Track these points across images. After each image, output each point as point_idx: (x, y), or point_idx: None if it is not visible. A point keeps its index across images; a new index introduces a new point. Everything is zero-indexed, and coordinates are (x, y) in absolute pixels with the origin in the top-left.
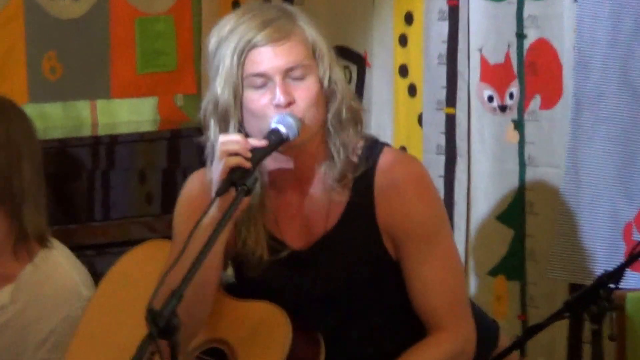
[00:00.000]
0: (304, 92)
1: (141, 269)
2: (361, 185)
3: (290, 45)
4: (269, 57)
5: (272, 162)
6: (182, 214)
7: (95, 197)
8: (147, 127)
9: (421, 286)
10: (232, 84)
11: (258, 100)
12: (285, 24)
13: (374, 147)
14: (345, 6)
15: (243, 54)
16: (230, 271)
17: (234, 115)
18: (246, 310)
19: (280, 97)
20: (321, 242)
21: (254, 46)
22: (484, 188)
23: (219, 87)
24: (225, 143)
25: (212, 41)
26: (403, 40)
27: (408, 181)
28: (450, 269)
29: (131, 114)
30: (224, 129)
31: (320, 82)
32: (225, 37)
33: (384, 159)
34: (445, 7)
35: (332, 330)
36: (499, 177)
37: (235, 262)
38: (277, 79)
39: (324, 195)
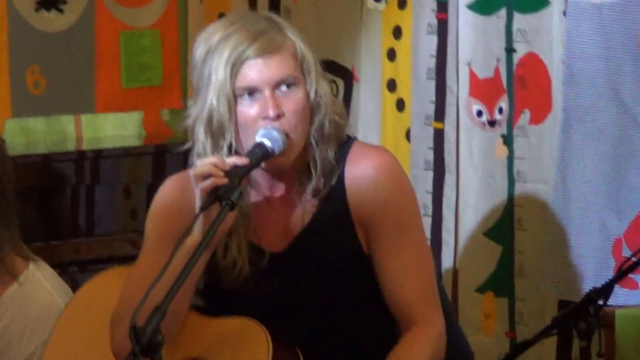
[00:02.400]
0: (293, 105)
1: (102, 299)
2: (334, 182)
3: (281, 58)
4: (260, 70)
5: (255, 172)
6: (156, 219)
7: (79, 212)
8: (132, 142)
9: (393, 278)
10: (226, 97)
11: (247, 112)
12: (276, 35)
13: (343, 145)
14: (333, 20)
15: (235, 66)
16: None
17: (229, 128)
18: (222, 327)
19: (270, 111)
20: (297, 240)
21: (246, 59)
22: (472, 204)
23: (214, 100)
24: (197, 167)
25: (200, 48)
26: (391, 55)
27: (377, 171)
28: (421, 261)
29: (116, 129)
30: (216, 142)
31: (307, 95)
32: (215, 47)
33: (352, 154)
34: (434, 21)
35: (308, 337)
36: (488, 193)
37: (209, 272)
38: (267, 92)
39: (299, 199)
